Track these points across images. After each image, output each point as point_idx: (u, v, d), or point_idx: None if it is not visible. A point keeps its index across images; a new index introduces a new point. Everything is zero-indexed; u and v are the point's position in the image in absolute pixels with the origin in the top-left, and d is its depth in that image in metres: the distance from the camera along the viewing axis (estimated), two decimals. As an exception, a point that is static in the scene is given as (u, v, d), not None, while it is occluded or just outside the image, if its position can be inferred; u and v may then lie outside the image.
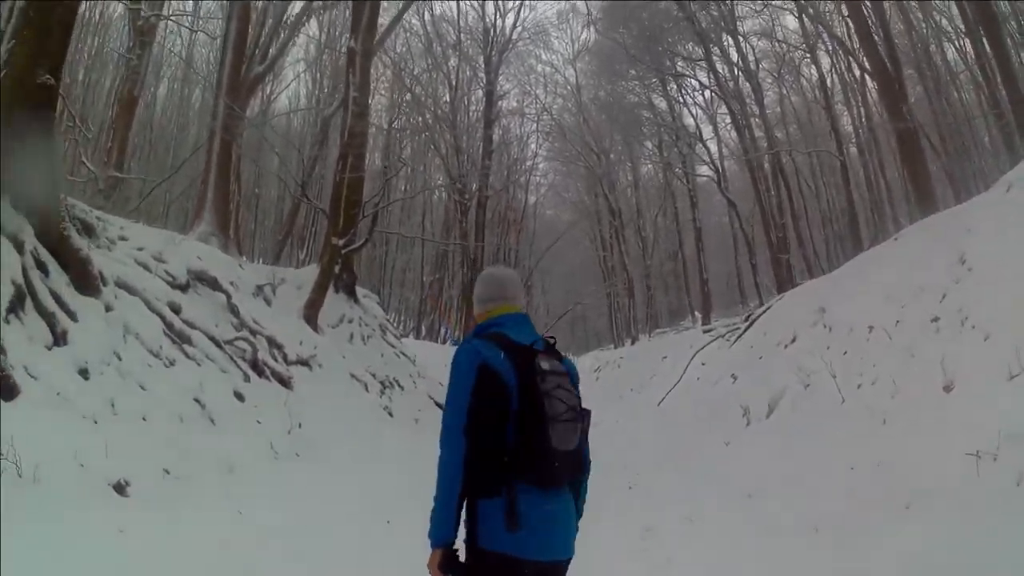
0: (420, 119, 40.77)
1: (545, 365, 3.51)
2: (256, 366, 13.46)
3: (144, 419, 9.09)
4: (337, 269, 20.98)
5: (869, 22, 23.29)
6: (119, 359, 9.77)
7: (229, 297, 14.49)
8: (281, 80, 41.80)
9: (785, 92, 42.63)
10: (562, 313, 49.85)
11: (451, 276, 48.69)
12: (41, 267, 9.56)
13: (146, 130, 41.91)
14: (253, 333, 14.20)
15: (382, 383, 18.53)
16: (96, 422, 8.25)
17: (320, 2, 27.80)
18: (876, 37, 22.78)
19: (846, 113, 38.05)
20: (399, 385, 19.60)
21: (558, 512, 3.49)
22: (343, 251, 20.84)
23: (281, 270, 20.37)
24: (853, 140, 37.43)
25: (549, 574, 3.45)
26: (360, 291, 23.33)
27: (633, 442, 17.19)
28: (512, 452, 3.41)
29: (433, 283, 50.16)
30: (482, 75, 42.44)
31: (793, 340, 15.63)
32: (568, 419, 3.45)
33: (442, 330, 47.66)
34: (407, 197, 42.55)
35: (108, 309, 10.41)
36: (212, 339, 12.76)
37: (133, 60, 23.56)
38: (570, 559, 3.54)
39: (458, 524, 3.45)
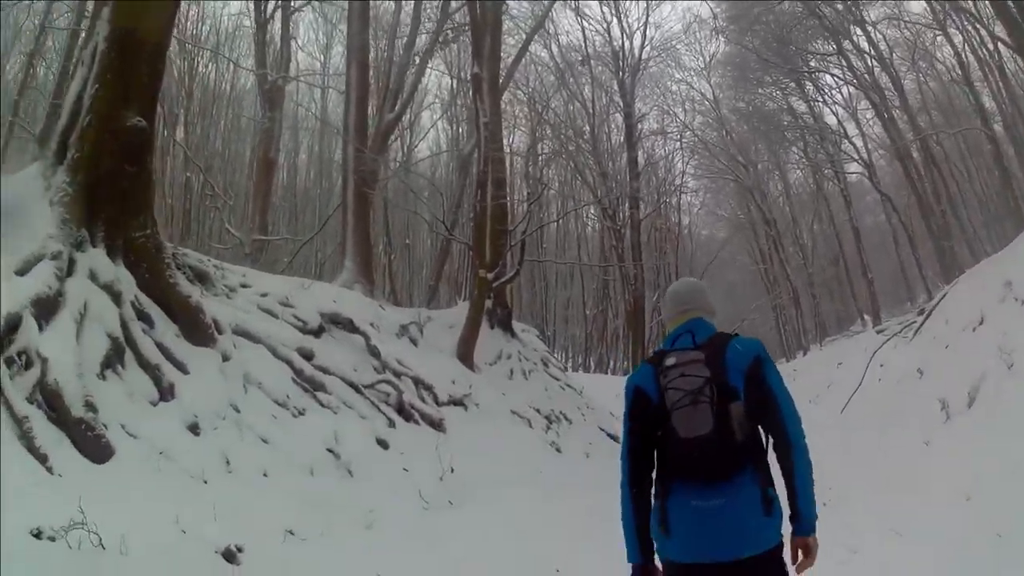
0: (562, 147, 39.70)
1: (670, 360, 3.55)
2: (402, 410, 12.31)
3: (265, 475, 7.99)
4: (489, 304, 19.91)
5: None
6: (237, 411, 8.79)
7: (368, 339, 13.33)
8: (419, 129, 41.52)
9: (922, 78, 40.48)
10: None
11: (615, 307, 47.13)
12: (144, 318, 8.69)
13: (290, 193, 42.30)
14: (397, 375, 13.07)
15: (547, 418, 17.15)
16: (206, 482, 7.27)
17: (441, 39, 26.80)
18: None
19: (986, 89, 35.37)
20: (566, 419, 18.19)
21: (709, 509, 3.36)
22: (494, 284, 19.75)
23: (429, 311, 19.31)
24: (998, 119, 34.87)
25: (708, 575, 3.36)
26: (518, 325, 22.17)
27: (819, 455, 14.81)
28: (659, 457, 3.60)
29: (597, 316, 48.68)
30: (618, 99, 41.04)
31: (981, 322, 13.95)
32: (685, 404, 3.40)
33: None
34: (554, 221, 41.31)
35: (225, 359, 9.52)
36: (350, 384, 11.72)
37: (266, 123, 23.47)
38: (743, 559, 3.31)
39: (644, 543, 3.57)
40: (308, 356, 11.37)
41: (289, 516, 7.30)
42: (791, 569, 3.44)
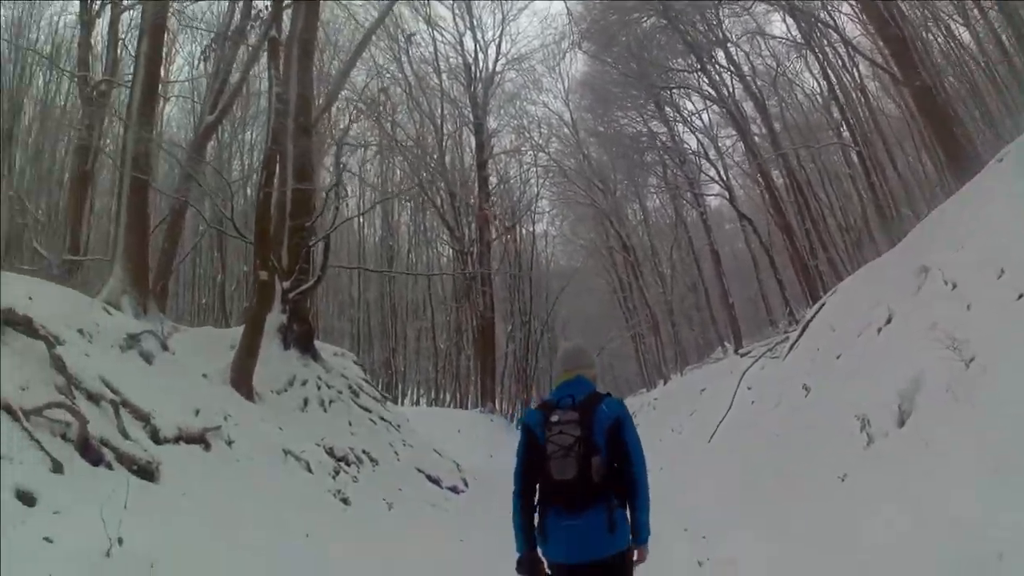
0: (405, 162, 35.90)
1: (554, 417, 4.69)
2: (87, 448, 8.13)
3: None
4: (284, 319, 15.86)
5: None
6: None
7: (51, 346, 9.03)
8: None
9: (785, 98, 38.93)
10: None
11: (467, 339, 43.59)
12: None
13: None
14: (93, 398, 8.88)
15: (341, 459, 13.14)
16: None
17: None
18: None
19: (847, 113, 33.75)
20: (371, 459, 14.18)
21: (572, 526, 4.55)
22: (290, 294, 15.80)
23: (196, 331, 15.09)
24: (854, 148, 33.02)
25: (581, 573, 4.58)
26: (326, 347, 18.16)
27: (688, 493, 12.84)
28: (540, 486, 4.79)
29: (449, 348, 45.18)
30: (468, 113, 37.67)
31: (889, 321, 11.25)
32: (559, 455, 4.56)
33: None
34: (359, 214, 36.45)
35: None
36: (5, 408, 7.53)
37: (81, 132, 19.88)
38: (595, 561, 4.54)
39: (529, 538, 4.79)
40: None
41: None
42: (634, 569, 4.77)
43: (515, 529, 4.79)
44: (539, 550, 4.72)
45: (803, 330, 16.93)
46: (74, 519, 6.77)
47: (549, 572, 4.72)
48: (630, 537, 4.64)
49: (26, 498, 6.84)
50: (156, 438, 9.42)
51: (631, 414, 4.90)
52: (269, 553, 8.04)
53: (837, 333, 13.73)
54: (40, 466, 7.39)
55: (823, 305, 16.93)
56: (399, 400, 40.37)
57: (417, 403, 43.01)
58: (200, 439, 10.17)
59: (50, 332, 9.30)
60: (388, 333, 46.79)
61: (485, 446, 23.86)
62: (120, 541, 6.54)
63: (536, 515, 4.73)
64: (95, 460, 8.21)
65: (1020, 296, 7.58)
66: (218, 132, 31.38)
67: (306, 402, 14.62)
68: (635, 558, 4.73)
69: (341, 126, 22.84)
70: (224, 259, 35.25)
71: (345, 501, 11.57)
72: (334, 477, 12.24)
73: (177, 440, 9.76)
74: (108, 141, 26.38)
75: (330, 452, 13.03)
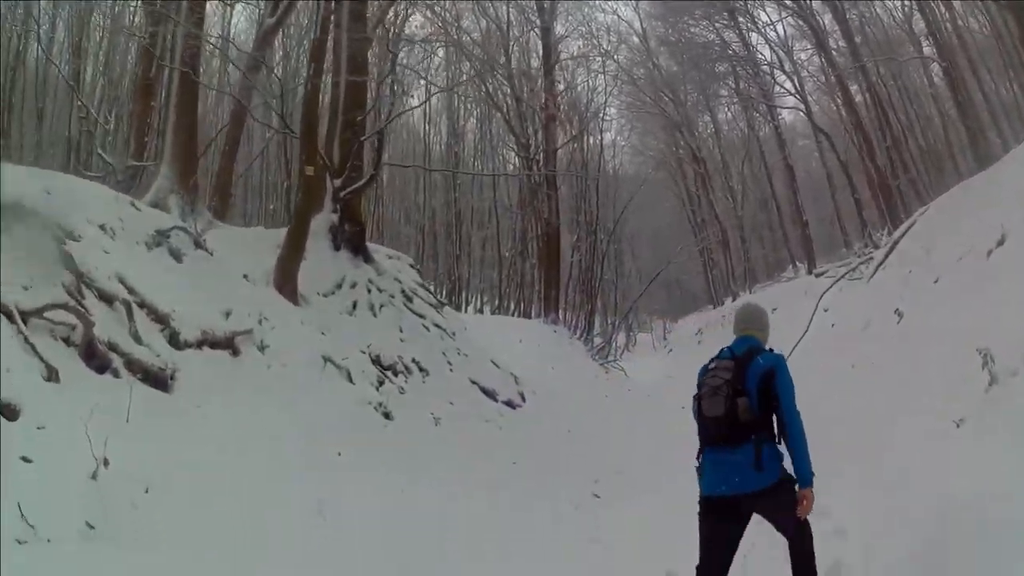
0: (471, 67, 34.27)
1: (712, 364, 5.12)
2: (92, 353, 7.23)
3: None
4: (335, 218, 14.88)
5: None
6: None
7: (62, 241, 8.09)
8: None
9: (864, 12, 35.68)
10: (652, 276, 43.60)
11: (531, 250, 42.46)
12: None
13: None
14: (105, 298, 7.96)
15: (388, 368, 12.18)
16: None
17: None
18: None
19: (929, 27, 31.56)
20: (420, 369, 13.20)
21: (721, 461, 4.87)
22: (342, 193, 14.77)
23: (242, 230, 14.14)
24: (942, 63, 30.77)
25: (724, 505, 4.85)
26: (379, 248, 17.16)
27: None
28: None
29: (514, 257, 43.69)
30: (535, 18, 35.69)
31: (1001, 242, 9.84)
32: (709, 395, 4.93)
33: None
34: (414, 108, 34.70)
35: None
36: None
37: (145, 39, 18.51)
38: (740, 494, 4.78)
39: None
40: None
41: None
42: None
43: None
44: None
45: (891, 250, 15.77)
46: (62, 435, 5.85)
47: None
48: (779, 475, 4.83)
49: (8, 411, 5.93)
50: (176, 342, 8.52)
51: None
52: (282, 478, 7.07)
53: (933, 255, 12.54)
54: (30, 374, 6.48)
55: (912, 224, 15.60)
56: (463, 307, 39.69)
57: (481, 311, 42.20)
58: (228, 344, 9.27)
59: (64, 227, 8.38)
60: (453, 240, 45.61)
61: (547, 358, 22.80)
62: (106, 462, 5.59)
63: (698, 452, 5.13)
64: (100, 367, 7.37)
65: None
66: (282, 38, 30.43)
67: (355, 305, 13.62)
68: (800, 504, 4.82)
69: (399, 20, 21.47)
70: (290, 165, 34.42)
71: (387, 415, 10.63)
72: (378, 388, 11.30)
73: (200, 345, 8.85)
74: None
75: (376, 360, 12.07)
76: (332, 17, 14.02)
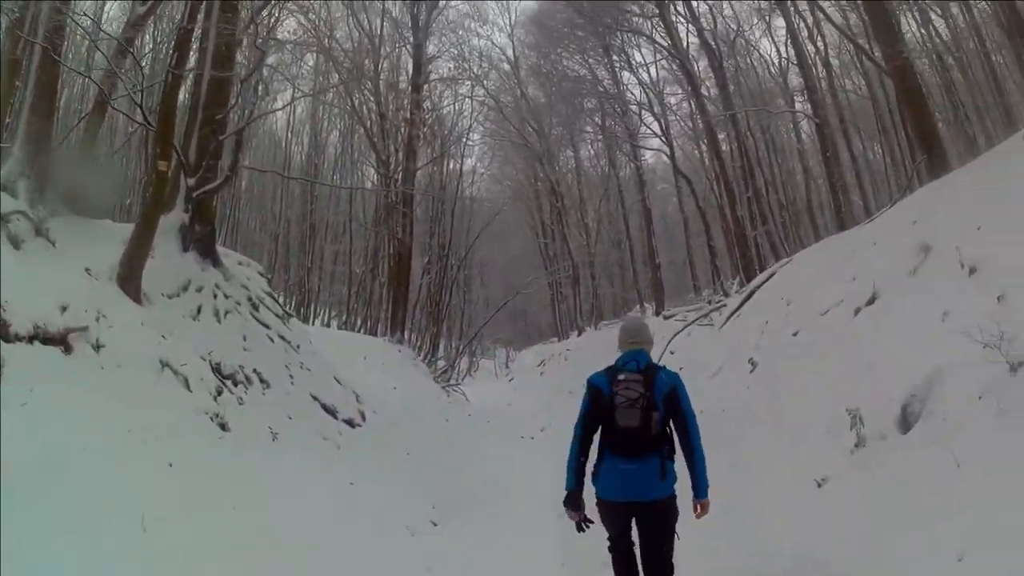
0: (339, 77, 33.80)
1: (621, 376, 5.51)
2: None
3: None
4: (186, 218, 14.30)
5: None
6: None
7: None
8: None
9: (740, 63, 37.45)
10: (500, 305, 44.07)
11: (381, 268, 42.07)
12: None
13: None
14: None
15: (227, 377, 11.70)
16: None
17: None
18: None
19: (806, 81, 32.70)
20: (261, 380, 12.72)
21: (632, 470, 5.34)
22: (195, 193, 14.25)
23: (92, 222, 13.35)
24: (814, 119, 31.82)
25: (619, 507, 5.43)
26: (229, 253, 16.59)
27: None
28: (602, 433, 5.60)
29: (365, 274, 43.26)
30: (408, 34, 35.54)
31: (871, 301, 9.73)
32: (626, 406, 5.37)
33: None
34: (279, 109, 34.10)
35: None
36: None
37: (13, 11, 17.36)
38: (644, 501, 5.34)
39: (579, 477, 5.57)
40: None
41: None
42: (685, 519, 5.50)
43: (568, 469, 5.58)
44: (595, 489, 5.57)
45: (747, 298, 15.98)
46: None
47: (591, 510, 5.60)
48: (675, 487, 5.45)
49: None
50: (5, 335, 7.97)
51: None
52: (104, 488, 6.63)
53: (793, 307, 12.60)
54: None
55: (772, 274, 15.89)
56: (310, 320, 39.12)
57: (328, 325, 41.73)
58: (60, 340, 8.73)
59: None
60: (306, 252, 45.13)
61: (390, 377, 22.53)
62: None
63: (594, 461, 5.62)
64: None
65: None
66: (154, 31, 29.55)
67: (199, 310, 13.01)
68: (699, 511, 5.49)
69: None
70: (149, 162, 33.40)
71: (223, 426, 10.16)
72: (216, 398, 10.78)
73: (31, 339, 8.31)
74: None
75: (216, 368, 11.55)
76: (203, 6, 13.58)
